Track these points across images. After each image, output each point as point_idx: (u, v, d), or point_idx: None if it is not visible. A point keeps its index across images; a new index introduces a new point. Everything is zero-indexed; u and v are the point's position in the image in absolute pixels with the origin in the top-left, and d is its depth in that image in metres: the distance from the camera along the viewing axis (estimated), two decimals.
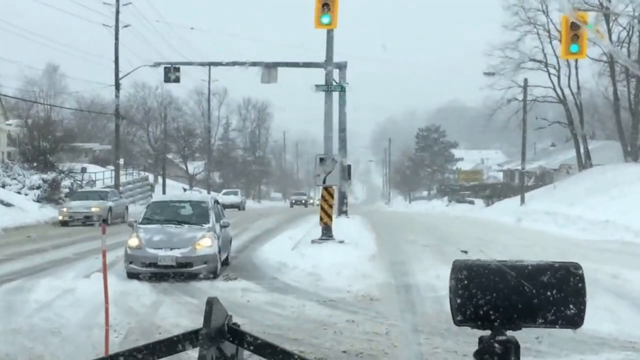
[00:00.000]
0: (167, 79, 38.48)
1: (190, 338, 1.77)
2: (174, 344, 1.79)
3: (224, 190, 74.40)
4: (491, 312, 1.55)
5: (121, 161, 69.58)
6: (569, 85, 58.92)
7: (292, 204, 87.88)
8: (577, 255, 20.25)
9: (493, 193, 68.10)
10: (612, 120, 74.88)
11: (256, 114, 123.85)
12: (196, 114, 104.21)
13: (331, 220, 21.94)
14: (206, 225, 17.65)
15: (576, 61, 58.98)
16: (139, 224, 17.70)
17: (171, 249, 16.74)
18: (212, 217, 18.03)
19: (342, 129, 36.21)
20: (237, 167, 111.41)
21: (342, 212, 35.71)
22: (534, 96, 58.20)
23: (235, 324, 1.82)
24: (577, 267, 1.59)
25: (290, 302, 13.48)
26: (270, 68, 34.80)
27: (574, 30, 22.30)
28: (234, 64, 37.19)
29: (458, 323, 1.58)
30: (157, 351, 1.78)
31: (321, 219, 21.91)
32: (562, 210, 38.24)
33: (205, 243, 16.99)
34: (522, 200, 52.15)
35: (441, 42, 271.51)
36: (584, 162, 59.11)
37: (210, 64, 43.12)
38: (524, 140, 54.45)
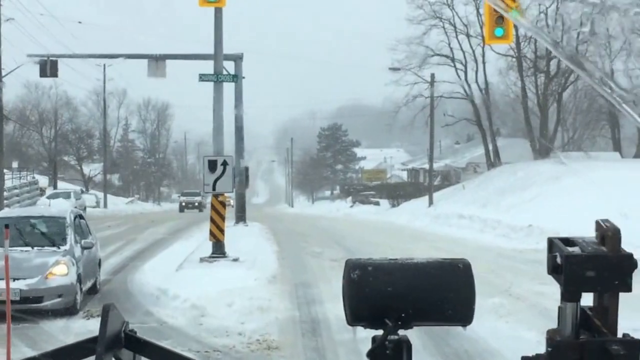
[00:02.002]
0: (42, 74, 34.35)
1: (86, 346, 1.74)
2: (69, 352, 1.77)
3: (49, 192, 60.15)
4: (383, 312, 1.53)
5: (15, 164, 64.95)
6: (477, 81, 57.10)
7: (181, 208, 71.75)
8: (510, 270, 17.49)
9: (400, 193, 65.48)
10: (512, 118, 73.89)
11: (156, 114, 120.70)
12: (95, 115, 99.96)
13: (223, 234, 18.45)
14: (62, 248, 14.05)
15: (483, 56, 57.25)
16: None
17: (15, 280, 13.08)
18: (71, 237, 14.42)
19: (239, 128, 32.93)
20: (136, 169, 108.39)
21: (240, 219, 32.37)
22: (440, 92, 56.06)
23: (132, 330, 1.76)
24: (466, 263, 1.56)
25: None
26: (157, 61, 31.22)
27: (499, 12, 19.54)
28: (117, 56, 33.57)
29: (351, 323, 1.56)
30: None
31: (211, 233, 18.45)
32: (477, 213, 35.79)
33: (60, 271, 13.41)
34: (431, 201, 49.71)
35: (343, 39, 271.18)
36: (493, 160, 57.23)
37: (90, 56, 39.00)
38: (432, 138, 52.12)
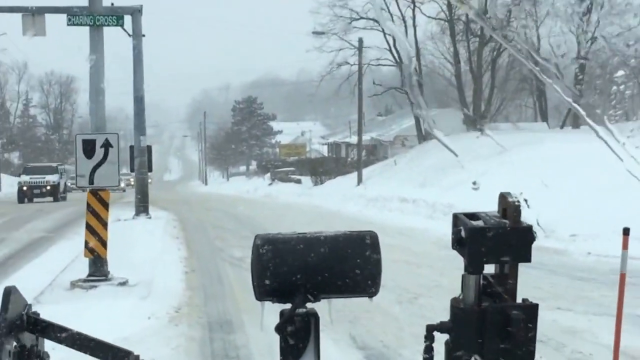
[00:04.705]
0: None
1: None
2: None
3: None
4: (292, 286, 1.51)
5: None
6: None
7: (23, 195, 45.74)
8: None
9: (322, 170, 60.23)
10: (431, 88, 69.82)
11: (60, 89, 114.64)
12: None
13: (105, 247, 12.83)
14: None
15: (413, 19, 52.57)
16: None
17: None
18: None
19: (139, 98, 27.25)
20: (39, 146, 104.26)
21: (141, 210, 26.67)
22: (367, 60, 51.17)
23: (35, 312, 1.67)
24: (373, 235, 1.56)
25: None
26: (34, 15, 25.27)
27: None
28: None
29: (259, 298, 1.52)
30: None
31: (87, 246, 12.81)
32: (419, 195, 31.04)
33: None
34: (360, 179, 44.85)
35: (261, 2, 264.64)
36: (424, 132, 52.64)
37: None
38: (360, 109, 47.08)
